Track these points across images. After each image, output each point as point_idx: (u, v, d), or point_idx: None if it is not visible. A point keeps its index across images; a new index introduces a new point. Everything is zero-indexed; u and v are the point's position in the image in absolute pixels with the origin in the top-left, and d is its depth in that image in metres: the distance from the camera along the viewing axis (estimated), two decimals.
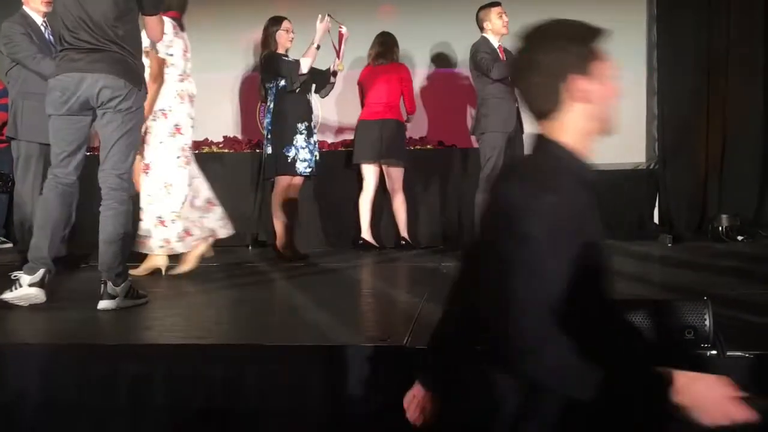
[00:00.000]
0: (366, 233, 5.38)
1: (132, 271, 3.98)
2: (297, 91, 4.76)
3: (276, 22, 4.89)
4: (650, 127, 6.09)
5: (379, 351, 2.23)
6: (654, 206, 5.99)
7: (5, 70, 4.22)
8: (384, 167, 5.36)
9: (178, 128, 4.02)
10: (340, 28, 4.92)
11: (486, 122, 4.91)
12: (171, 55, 3.97)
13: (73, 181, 3.09)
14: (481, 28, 4.99)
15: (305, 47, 4.82)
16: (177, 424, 2.25)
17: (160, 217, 4.00)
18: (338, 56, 4.92)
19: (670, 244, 5.37)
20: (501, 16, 4.93)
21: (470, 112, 6.12)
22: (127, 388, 2.25)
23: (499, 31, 4.93)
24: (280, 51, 4.87)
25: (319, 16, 4.78)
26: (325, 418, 2.19)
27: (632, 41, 6.00)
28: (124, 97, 2.99)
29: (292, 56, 4.90)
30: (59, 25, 3.05)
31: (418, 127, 5.98)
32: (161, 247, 4.02)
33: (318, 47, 4.77)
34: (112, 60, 2.99)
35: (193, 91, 4.13)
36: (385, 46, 5.39)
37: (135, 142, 3.13)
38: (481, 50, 4.88)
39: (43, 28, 4.14)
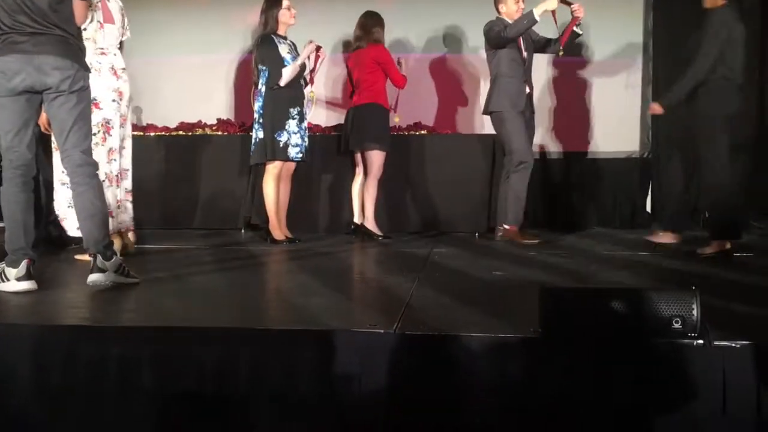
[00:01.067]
0: (359, 218, 5.37)
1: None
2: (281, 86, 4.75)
3: (275, 2, 4.85)
4: (644, 116, 6.09)
5: (370, 336, 2.24)
6: (647, 195, 5.99)
7: None
8: (364, 152, 5.21)
9: (95, 103, 3.86)
10: (320, 51, 4.92)
11: (495, 101, 4.97)
12: (84, 29, 3.79)
13: (29, 160, 3.05)
14: (497, 10, 5.02)
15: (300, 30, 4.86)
16: (166, 407, 2.25)
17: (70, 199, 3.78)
18: (312, 75, 4.96)
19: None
20: (517, 2, 4.95)
21: (473, 98, 6.12)
22: (116, 370, 2.25)
23: (513, 16, 4.95)
24: (282, 31, 4.86)
25: (309, 40, 4.83)
26: (315, 402, 2.20)
27: (629, 29, 6.00)
28: (74, 77, 3.01)
29: (291, 37, 4.91)
30: None
31: (421, 114, 5.93)
32: (78, 228, 3.93)
33: (303, 66, 4.80)
34: (56, 42, 2.99)
35: (116, 64, 4.02)
36: (364, 29, 5.23)
37: (90, 119, 3.16)
38: (495, 26, 4.90)
39: None
